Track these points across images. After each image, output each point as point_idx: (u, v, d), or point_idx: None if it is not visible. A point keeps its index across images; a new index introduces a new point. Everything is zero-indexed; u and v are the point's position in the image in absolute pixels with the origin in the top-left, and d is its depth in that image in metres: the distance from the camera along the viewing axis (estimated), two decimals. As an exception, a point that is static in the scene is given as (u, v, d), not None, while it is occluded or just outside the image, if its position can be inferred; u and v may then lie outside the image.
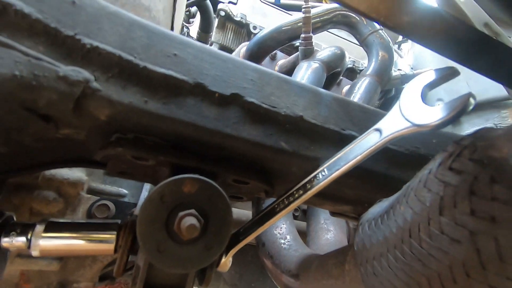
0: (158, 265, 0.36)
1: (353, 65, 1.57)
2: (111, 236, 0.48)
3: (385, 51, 1.21)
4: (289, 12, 1.57)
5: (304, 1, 1.09)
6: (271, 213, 0.49)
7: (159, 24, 0.73)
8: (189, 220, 0.35)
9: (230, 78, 0.46)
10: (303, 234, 0.89)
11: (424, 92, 0.39)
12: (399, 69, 1.52)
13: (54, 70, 0.34)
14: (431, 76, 0.41)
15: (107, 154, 0.41)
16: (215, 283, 1.42)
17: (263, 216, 0.50)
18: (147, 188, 0.85)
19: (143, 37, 0.42)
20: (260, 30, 1.35)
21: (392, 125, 0.41)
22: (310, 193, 0.46)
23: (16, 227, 0.47)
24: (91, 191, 0.75)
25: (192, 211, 0.37)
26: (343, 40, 1.63)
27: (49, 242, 0.46)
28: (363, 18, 1.23)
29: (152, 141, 0.44)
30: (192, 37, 1.94)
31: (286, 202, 0.48)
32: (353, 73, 1.58)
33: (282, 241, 0.75)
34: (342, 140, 0.51)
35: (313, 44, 1.15)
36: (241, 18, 1.46)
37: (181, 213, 0.36)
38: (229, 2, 1.49)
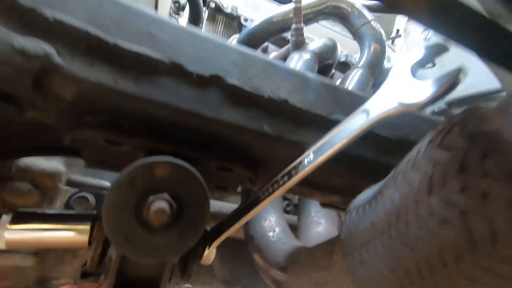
0: (127, 255, 0.33)
1: (346, 59, 1.55)
2: (85, 227, 0.45)
3: (378, 43, 1.19)
4: (281, 4, 1.55)
5: (295, -9, 1.07)
6: (256, 201, 0.47)
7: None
8: (158, 204, 0.32)
9: (211, 59, 0.44)
10: (295, 228, 0.87)
11: (414, 69, 0.37)
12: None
13: (9, 42, 0.31)
14: (420, 53, 0.39)
15: (76, 138, 0.38)
16: (207, 280, 1.40)
17: (247, 205, 0.48)
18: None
19: (115, 12, 0.39)
20: (252, 22, 1.32)
21: (380, 105, 0.39)
22: (295, 179, 0.44)
23: (-18, 219, 0.44)
24: (71, 183, 0.71)
25: (164, 194, 0.34)
26: (337, 34, 1.62)
27: (16, 234, 0.43)
28: (354, 9, 1.21)
29: (126, 125, 0.41)
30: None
31: (271, 190, 0.46)
32: (346, 67, 1.56)
33: (271, 233, 0.73)
34: (330, 125, 0.48)
35: (304, 35, 1.13)
36: (232, 10, 1.43)
37: (151, 197, 0.34)
38: (220, -6, 1.46)
